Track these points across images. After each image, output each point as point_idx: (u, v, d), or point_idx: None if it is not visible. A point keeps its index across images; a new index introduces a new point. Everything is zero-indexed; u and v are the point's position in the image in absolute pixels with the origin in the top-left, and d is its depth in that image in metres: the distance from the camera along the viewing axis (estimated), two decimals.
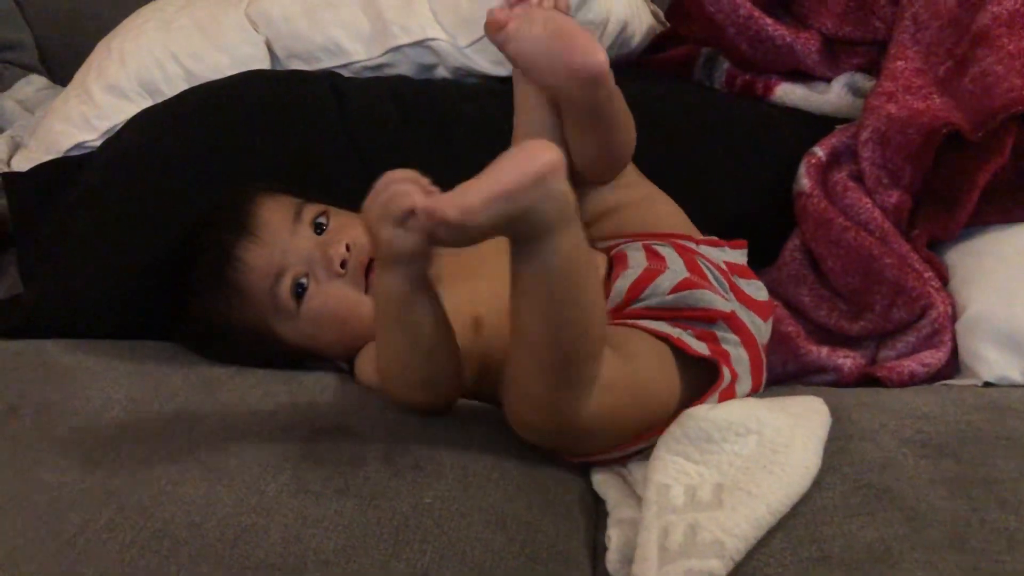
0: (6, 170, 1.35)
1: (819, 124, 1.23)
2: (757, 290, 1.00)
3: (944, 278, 1.08)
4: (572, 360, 0.77)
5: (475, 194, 0.70)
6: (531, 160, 0.71)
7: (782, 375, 1.05)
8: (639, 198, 1.05)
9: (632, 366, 0.84)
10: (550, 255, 0.73)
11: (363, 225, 0.77)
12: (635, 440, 0.85)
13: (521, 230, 0.73)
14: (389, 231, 0.74)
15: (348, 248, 0.95)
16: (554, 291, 0.75)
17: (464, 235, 0.72)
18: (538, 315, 0.76)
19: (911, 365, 1.01)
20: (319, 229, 0.98)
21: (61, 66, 1.70)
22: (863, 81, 1.26)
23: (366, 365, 0.95)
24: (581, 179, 0.93)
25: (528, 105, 0.94)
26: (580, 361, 0.78)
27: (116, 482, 0.75)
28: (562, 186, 0.73)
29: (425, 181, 0.75)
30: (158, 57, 1.31)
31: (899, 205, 1.10)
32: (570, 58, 0.83)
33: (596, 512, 0.84)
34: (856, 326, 1.06)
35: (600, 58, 0.83)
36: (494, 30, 0.85)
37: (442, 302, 0.83)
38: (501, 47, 0.85)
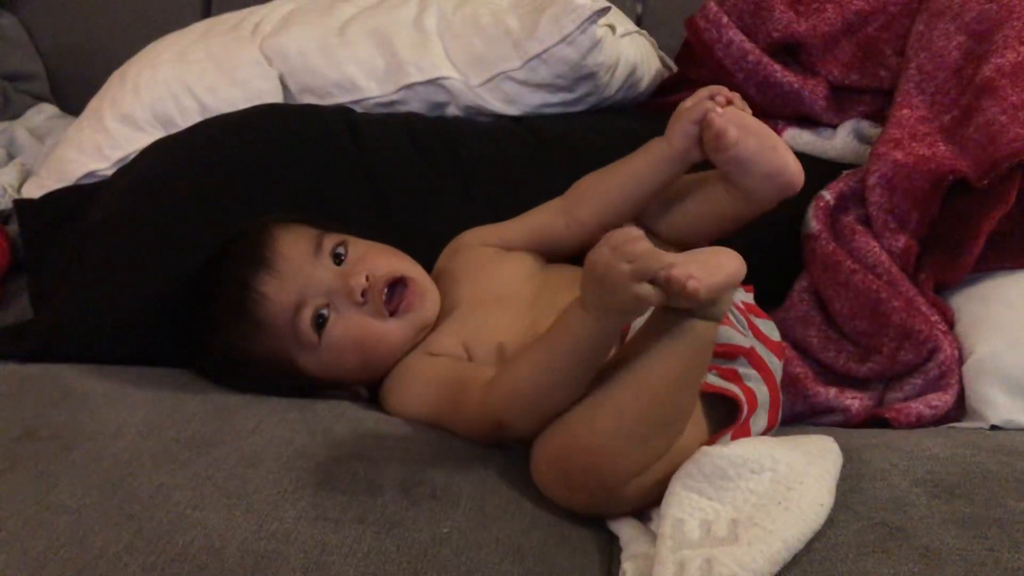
0: (17, 197, 1.36)
1: (825, 169, 1.25)
2: (771, 330, 1.01)
3: (950, 322, 1.09)
4: (663, 428, 0.81)
5: (719, 277, 0.77)
6: (734, 263, 0.80)
7: (790, 416, 1.05)
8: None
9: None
10: (705, 333, 0.81)
11: (600, 272, 0.76)
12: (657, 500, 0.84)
13: (700, 310, 0.80)
14: (643, 288, 0.75)
15: (368, 278, 0.96)
16: (692, 362, 0.81)
17: (693, 304, 0.78)
18: (668, 373, 0.79)
19: (918, 407, 1.02)
20: (338, 260, 0.99)
21: (71, 96, 1.72)
22: (868, 128, 1.28)
23: (403, 394, 0.95)
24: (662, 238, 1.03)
25: (642, 172, 1.02)
26: (667, 432, 0.81)
27: (135, 506, 0.75)
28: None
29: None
30: (172, 89, 1.32)
31: (906, 249, 1.12)
32: (782, 172, 0.96)
33: (610, 548, 0.84)
34: (864, 368, 1.07)
35: (801, 173, 0.97)
36: (727, 144, 0.94)
37: None
38: (719, 151, 0.95)
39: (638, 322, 0.84)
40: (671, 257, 0.76)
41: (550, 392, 0.81)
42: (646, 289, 0.75)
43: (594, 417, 0.79)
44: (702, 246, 0.92)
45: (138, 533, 0.72)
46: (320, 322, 0.95)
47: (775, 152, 0.95)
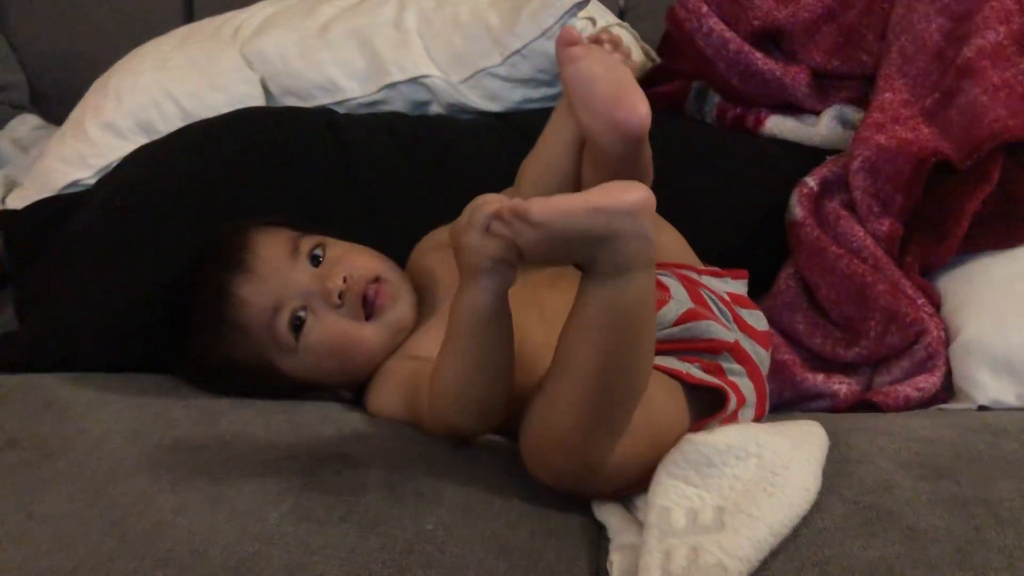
0: (2, 208, 1.35)
1: (809, 155, 1.25)
2: (758, 320, 1.01)
3: (936, 304, 1.09)
4: (615, 403, 0.78)
5: (561, 201, 0.73)
6: (625, 191, 0.74)
7: (779, 402, 1.05)
8: None
9: (650, 410, 0.84)
10: (624, 291, 0.75)
11: (452, 238, 0.78)
12: (644, 480, 0.84)
13: (601, 258, 0.74)
14: (475, 237, 0.75)
15: (345, 280, 0.96)
16: (618, 329, 0.76)
17: (545, 243, 0.73)
18: (596, 350, 0.76)
19: (906, 390, 1.02)
20: (316, 261, 0.98)
21: (52, 106, 1.71)
22: (852, 113, 1.28)
23: (377, 397, 0.95)
24: None
25: (556, 141, 0.97)
26: (622, 405, 0.79)
27: (118, 512, 0.75)
28: (649, 229, 0.74)
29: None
30: (154, 96, 1.32)
31: (891, 233, 1.11)
32: (615, 108, 0.85)
33: (598, 539, 0.84)
34: (851, 352, 1.07)
35: (643, 116, 0.85)
36: (566, 43, 0.87)
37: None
38: (561, 63, 0.87)
39: None
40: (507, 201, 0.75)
41: (473, 380, 0.81)
42: (477, 239, 0.75)
43: (547, 414, 0.78)
44: None
45: (121, 539, 0.72)
46: (297, 324, 0.95)
47: (619, 85, 0.86)
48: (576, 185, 0.96)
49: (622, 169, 0.88)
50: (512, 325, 0.81)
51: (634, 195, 0.73)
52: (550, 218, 0.72)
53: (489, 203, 0.75)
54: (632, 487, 0.85)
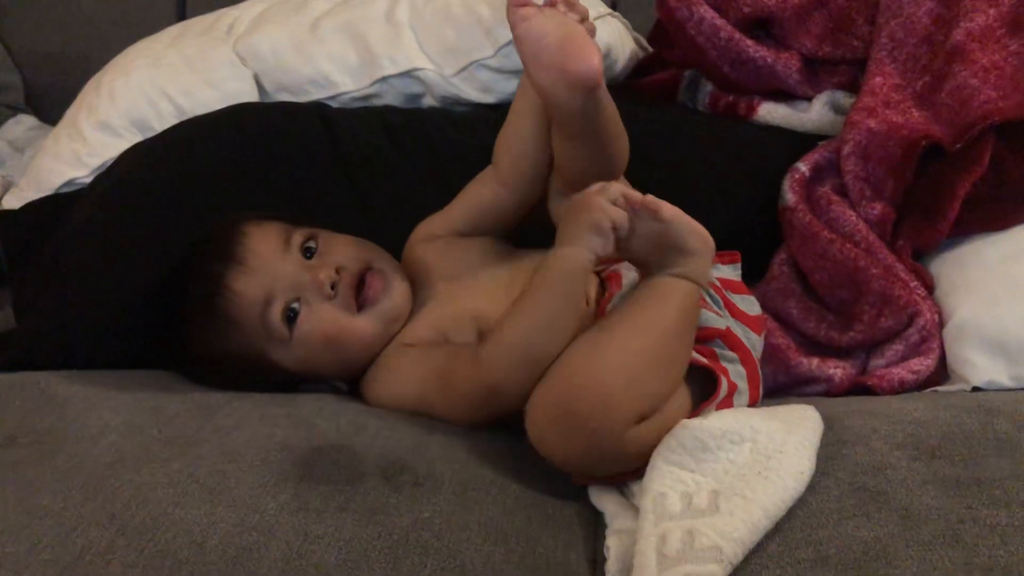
0: None
1: (802, 141, 1.25)
2: (750, 305, 1.01)
3: (930, 287, 1.09)
4: (668, 369, 0.85)
5: (683, 216, 0.87)
6: (706, 236, 0.89)
7: (773, 387, 1.05)
8: None
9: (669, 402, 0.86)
10: (685, 291, 0.87)
11: (575, 203, 0.86)
12: (643, 465, 0.85)
13: (672, 260, 0.87)
14: (604, 202, 0.84)
15: (338, 270, 0.96)
16: (690, 316, 0.87)
17: (653, 235, 0.85)
18: (674, 316, 0.86)
19: (900, 373, 1.02)
20: (308, 253, 0.99)
21: (48, 106, 1.71)
22: (844, 99, 1.28)
23: (386, 383, 0.96)
24: (572, 190, 0.95)
25: (523, 110, 0.99)
26: (671, 375, 0.85)
27: (116, 505, 0.75)
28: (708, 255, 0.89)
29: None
30: (148, 94, 1.32)
31: (883, 216, 1.12)
32: (565, 59, 0.87)
33: (595, 524, 0.85)
34: (845, 337, 1.08)
35: (593, 63, 0.87)
36: (517, 3, 0.89)
37: None
38: (513, 24, 0.89)
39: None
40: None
41: (540, 340, 0.84)
42: (607, 204, 0.83)
43: (597, 354, 0.81)
44: (601, 176, 0.95)
45: (120, 532, 0.72)
46: (291, 316, 0.95)
47: (569, 38, 0.88)
48: (548, 159, 1.00)
49: (586, 127, 0.92)
50: (585, 295, 0.88)
51: (704, 232, 0.88)
52: (673, 219, 0.85)
53: (624, 189, 0.85)
54: (629, 474, 0.85)
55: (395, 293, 0.99)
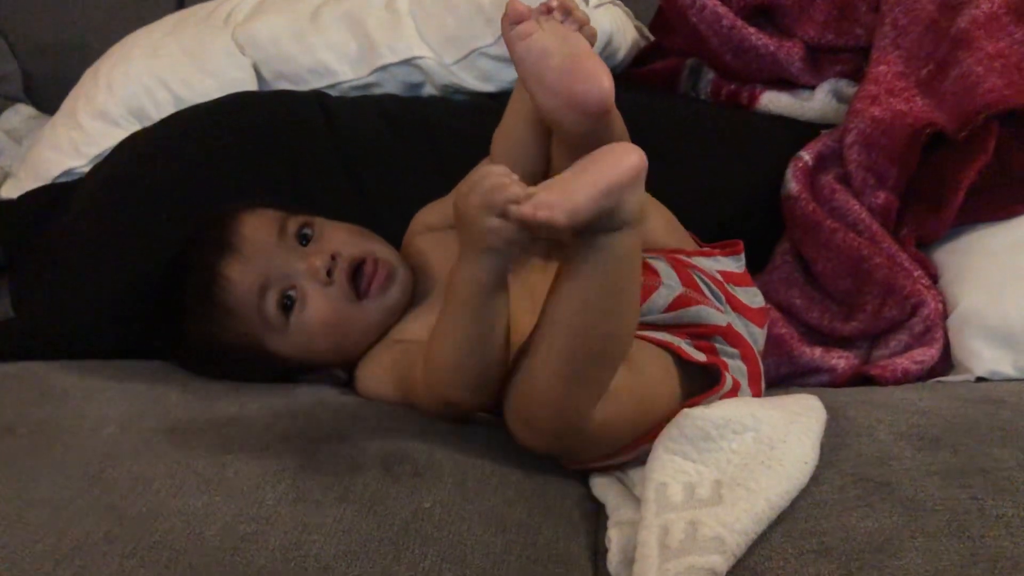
0: None
1: (804, 130, 1.24)
2: (752, 297, 1.00)
3: (934, 276, 1.09)
4: (598, 360, 0.78)
5: (581, 195, 0.71)
6: (623, 160, 0.74)
7: (776, 378, 1.05)
8: None
9: (638, 376, 0.84)
10: (616, 247, 0.75)
11: (457, 208, 0.76)
12: (633, 446, 0.85)
13: (601, 224, 0.74)
14: (491, 220, 0.73)
15: (334, 257, 0.95)
16: (607, 283, 0.76)
17: (566, 232, 0.72)
18: (582, 305, 0.76)
19: (904, 363, 1.01)
20: (304, 240, 0.98)
21: (46, 96, 1.70)
22: (847, 87, 1.27)
23: (372, 376, 0.95)
24: None
25: (520, 111, 0.94)
26: (605, 362, 0.78)
27: (114, 496, 0.75)
28: (642, 186, 0.75)
29: (517, 179, 0.75)
30: (146, 83, 1.31)
31: (886, 206, 1.11)
32: (572, 82, 0.81)
33: (596, 515, 0.84)
34: (848, 327, 1.07)
35: (605, 88, 0.81)
36: (513, 20, 0.83)
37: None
38: (510, 42, 0.83)
39: None
40: (531, 189, 0.73)
41: (470, 353, 0.80)
42: (495, 222, 0.73)
43: (530, 368, 0.78)
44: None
45: (117, 523, 0.72)
46: (287, 304, 0.95)
47: (574, 58, 0.81)
48: (547, 163, 0.95)
49: (592, 148, 0.84)
50: (509, 300, 0.81)
51: (633, 160, 0.74)
52: (573, 219, 0.71)
53: (505, 187, 0.72)
54: (622, 454, 0.85)
55: (398, 283, 0.97)
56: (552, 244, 0.93)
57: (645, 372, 0.85)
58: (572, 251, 0.76)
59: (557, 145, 0.91)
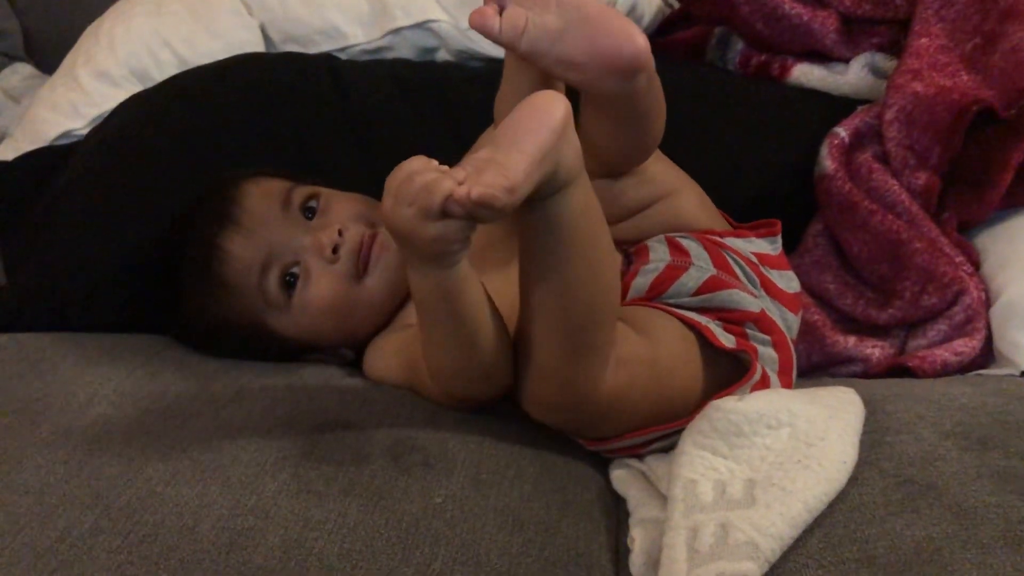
0: None
1: (839, 105, 1.19)
2: (788, 281, 0.94)
3: (975, 263, 1.03)
4: (585, 324, 0.73)
5: (516, 168, 0.65)
6: (551, 114, 0.67)
7: (807, 366, 1.00)
8: (663, 194, 0.95)
9: (653, 345, 0.80)
10: (564, 208, 0.70)
11: (390, 226, 0.68)
12: (653, 426, 0.80)
13: (545, 189, 0.68)
14: (432, 228, 0.66)
15: (341, 232, 0.90)
16: (567, 246, 0.71)
17: (506, 211, 0.65)
18: (551, 275, 0.72)
19: (944, 354, 0.96)
20: (309, 213, 0.92)
21: (47, 55, 1.65)
22: (883, 61, 1.21)
23: (379, 360, 0.90)
24: (603, 169, 0.88)
25: (517, 77, 0.87)
26: (593, 324, 0.74)
27: (102, 483, 0.70)
28: (574, 134, 0.69)
29: (437, 164, 0.68)
30: (148, 43, 1.26)
31: (927, 187, 1.05)
32: (603, 47, 0.73)
33: (616, 511, 0.79)
34: (884, 314, 1.01)
35: (639, 43, 0.74)
36: (488, 21, 0.73)
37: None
38: (510, 45, 0.74)
39: None
40: (458, 172, 0.65)
41: (465, 354, 0.75)
42: (437, 228, 0.66)
43: (527, 351, 0.75)
44: (637, 155, 0.85)
45: (104, 513, 0.67)
46: (289, 282, 0.89)
47: (586, 26, 0.73)
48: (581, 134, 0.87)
49: (633, 112, 0.80)
50: (480, 283, 0.76)
51: (559, 113, 0.67)
52: (514, 197, 0.64)
53: (436, 184, 0.65)
54: (642, 434, 0.80)
55: (393, 253, 0.91)
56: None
57: (662, 342, 0.80)
58: (525, 227, 0.71)
59: (589, 109, 0.84)
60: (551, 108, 0.67)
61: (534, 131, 0.66)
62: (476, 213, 0.65)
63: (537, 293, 0.73)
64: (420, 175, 0.66)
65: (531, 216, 0.70)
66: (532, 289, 0.73)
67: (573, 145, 0.69)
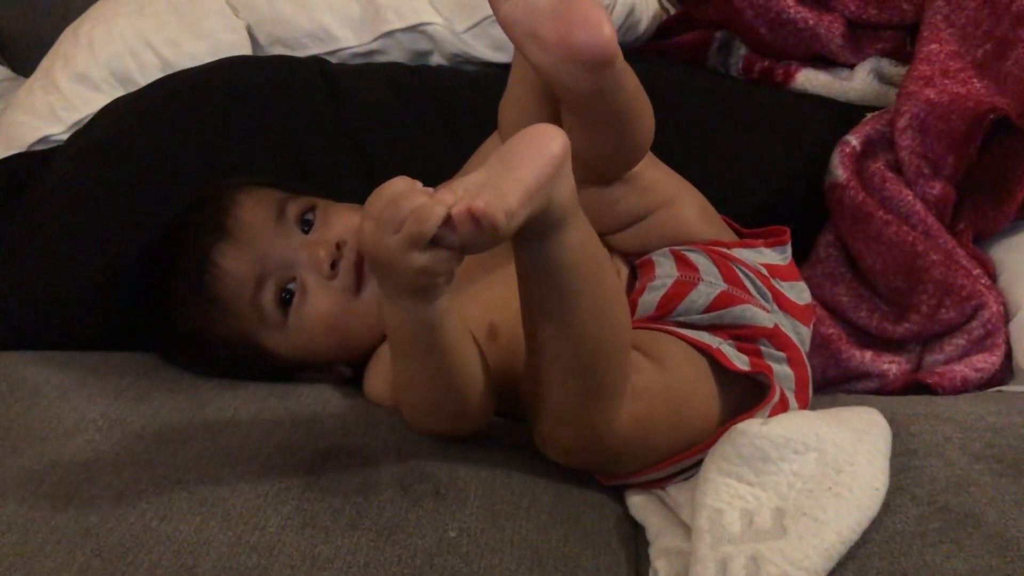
0: None
1: (845, 112, 1.16)
2: (799, 293, 0.91)
3: (992, 275, 1.00)
4: (596, 364, 0.70)
5: (512, 193, 0.61)
6: (547, 146, 0.64)
7: (822, 381, 0.96)
8: (662, 202, 0.91)
9: (667, 373, 0.76)
10: (561, 249, 0.67)
11: (371, 255, 0.64)
12: (675, 459, 0.77)
13: (536, 225, 0.64)
14: (419, 258, 0.62)
15: (339, 247, 0.86)
16: (568, 290, 0.68)
17: (497, 240, 0.61)
18: (554, 318, 0.69)
19: (963, 370, 0.93)
20: (306, 226, 0.88)
21: (23, 56, 1.60)
22: (889, 67, 1.19)
23: (378, 381, 0.85)
24: (594, 177, 0.84)
25: (525, 77, 0.84)
26: (605, 363, 0.71)
27: (92, 518, 0.65)
28: (571, 173, 0.66)
29: (422, 187, 0.64)
30: (131, 44, 1.22)
31: (942, 197, 1.02)
32: (567, 33, 0.70)
33: (635, 540, 0.75)
34: (900, 328, 0.98)
35: (605, 33, 0.70)
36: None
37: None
38: (495, 5, 0.73)
39: None
40: (446, 196, 0.61)
41: (430, 389, 0.72)
42: (424, 259, 0.61)
43: (537, 394, 0.72)
44: (622, 161, 0.82)
45: (95, 552, 0.62)
46: (285, 299, 0.85)
47: (567, 3, 0.71)
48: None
49: (603, 111, 0.77)
50: (460, 319, 0.71)
51: (555, 147, 0.64)
52: (511, 222, 0.61)
53: (422, 209, 0.61)
54: (661, 468, 0.77)
55: None
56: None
57: (675, 369, 0.77)
58: (522, 270, 0.69)
59: (565, 112, 0.81)
60: (549, 140, 0.64)
61: (531, 160, 0.63)
62: (470, 239, 0.61)
63: (541, 336, 0.70)
64: (407, 199, 0.62)
65: (527, 259, 0.67)
66: (536, 332, 0.70)
67: (568, 183, 0.65)
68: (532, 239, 0.66)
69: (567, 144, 0.65)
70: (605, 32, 0.70)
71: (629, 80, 0.77)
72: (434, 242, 0.61)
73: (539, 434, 0.75)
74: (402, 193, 0.62)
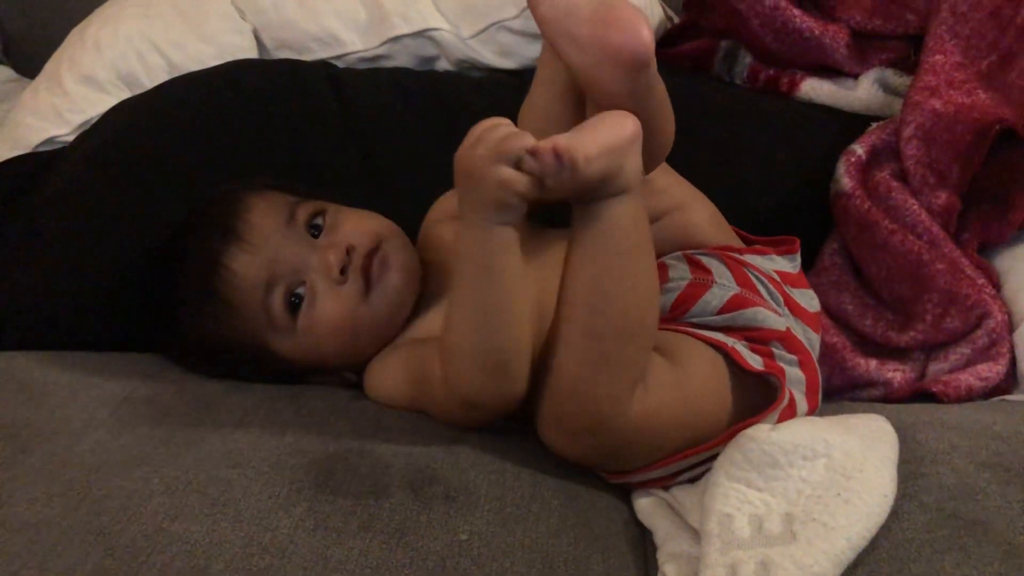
0: None
1: (849, 121, 1.16)
2: (809, 300, 0.91)
3: (996, 285, 1.01)
4: (620, 338, 0.73)
5: (592, 144, 0.70)
6: (623, 123, 0.73)
7: (827, 390, 0.95)
8: (672, 207, 0.93)
9: (681, 370, 0.78)
10: (617, 213, 0.73)
11: (460, 164, 0.71)
12: (679, 456, 0.77)
13: (603, 187, 0.72)
14: (503, 171, 0.69)
15: (348, 251, 0.86)
16: (614, 254, 0.73)
17: (573, 184, 0.70)
18: (593, 281, 0.73)
19: (968, 379, 0.93)
20: (315, 230, 0.88)
21: (27, 58, 1.61)
22: (893, 77, 1.19)
23: (379, 381, 0.86)
24: None
25: (549, 80, 0.85)
26: (628, 341, 0.73)
27: (104, 519, 0.65)
28: (640, 155, 0.74)
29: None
30: (137, 46, 1.22)
31: (947, 207, 1.03)
32: (607, 32, 0.73)
33: (643, 543, 0.75)
34: (905, 337, 0.98)
35: (644, 37, 0.73)
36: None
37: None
38: (534, 3, 0.76)
39: None
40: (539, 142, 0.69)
41: (488, 333, 0.74)
42: (508, 173, 0.69)
43: (553, 362, 0.74)
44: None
45: (108, 552, 0.62)
46: (295, 302, 0.85)
47: (606, 5, 0.74)
48: None
49: (632, 111, 0.77)
50: (524, 271, 0.74)
51: (631, 125, 0.73)
52: (587, 165, 0.69)
53: (517, 135, 0.69)
54: (666, 464, 0.77)
55: (400, 270, 0.87)
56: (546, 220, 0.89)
57: (690, 367, 0.78)
58: (576, 226, 0.74)
59: (592, 112, 0.81)
60: (626, 119, 0.73)
61: (609, 129, 0.72)
62: (550, 170, 0.68)
63: (575, 295, 0.73)
64: (507, 127, 0.70)
65: (587, 217, 0.73)
66: (570, 292, 0.74)
67: (637, 161, 0.73)
68: (598, 199, 0.72)
69: (639, 127, 0.73)
70: (643, 35, 0.74)
71: (658, 85, 0.79)
72: (518, 166, 0.69)
73: (542, 412, 0.75)
74: (498, 123, 0.71)
